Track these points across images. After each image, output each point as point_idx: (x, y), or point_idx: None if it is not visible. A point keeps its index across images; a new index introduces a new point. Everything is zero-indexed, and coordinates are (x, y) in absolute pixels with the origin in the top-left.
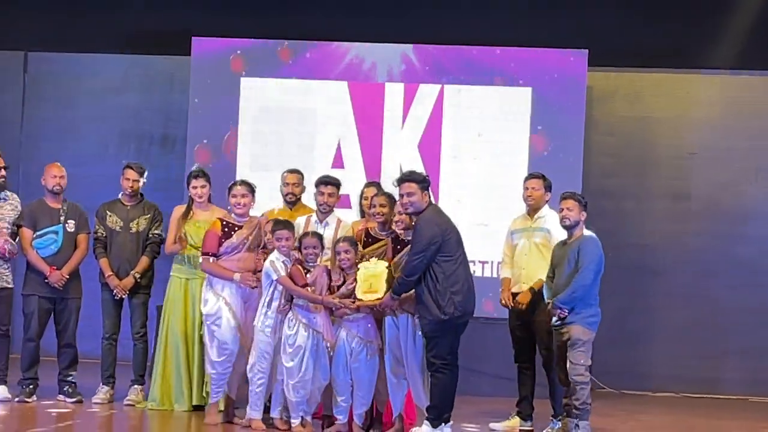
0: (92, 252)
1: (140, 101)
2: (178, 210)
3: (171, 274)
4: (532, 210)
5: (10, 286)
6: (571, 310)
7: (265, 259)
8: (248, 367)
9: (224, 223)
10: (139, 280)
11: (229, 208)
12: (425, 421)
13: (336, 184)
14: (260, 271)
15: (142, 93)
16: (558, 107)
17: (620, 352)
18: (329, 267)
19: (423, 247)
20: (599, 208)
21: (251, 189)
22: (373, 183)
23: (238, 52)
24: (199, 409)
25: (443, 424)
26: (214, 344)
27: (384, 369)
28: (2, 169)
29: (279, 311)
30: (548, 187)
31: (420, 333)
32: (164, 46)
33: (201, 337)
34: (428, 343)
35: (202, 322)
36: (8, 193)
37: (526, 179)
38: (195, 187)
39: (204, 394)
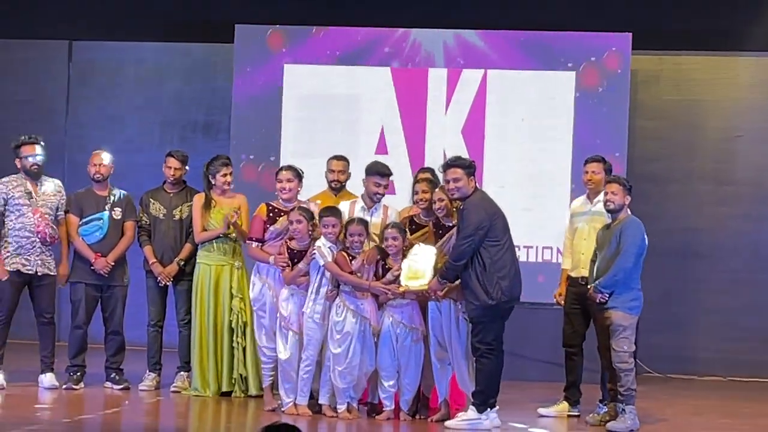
0: (137, 240)
1: (183, 89)
2: (199, 199)
3: (198, 261)
4: (592, 193)
5: (53, 273)
6: (611, 294)
7: (288, 248)
8: (282, 354)
9: (270, 208)
10: (183, 267)
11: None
12: (471, 406)
13: (390, 174)
14: (280, 254)
15: (186, 81)
16: (602, 91)
17: (666, 336)
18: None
19: (471, 232)
20: (644, 191)
21: (297, 174)
22: (428, 169)
23: (281, 38)
24: (227, 395)
25: (489, 409)
26: (261, 329)
27: (429, 354)
28: (34, 157)
29: (327, 298)
30: (608, 171)
31: (463, 318)
32: (207, 34)
33: (230, 323)
34: (474, 329)
35: (231, 309)
36: (48, 178)
37: (586, 162)
38: (225, 175)
39: (232, 381)
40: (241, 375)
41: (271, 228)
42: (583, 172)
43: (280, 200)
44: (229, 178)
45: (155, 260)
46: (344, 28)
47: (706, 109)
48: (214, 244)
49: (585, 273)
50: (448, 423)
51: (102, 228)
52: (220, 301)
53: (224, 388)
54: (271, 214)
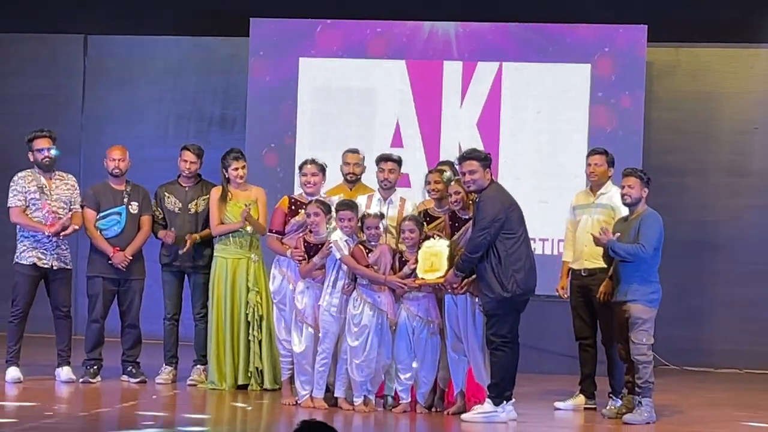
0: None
1: (199, 83)
2: (216, 192)
3: (215, 254)
4: (595, 186)
5: (69, 267)
6: (622, 281)
7: (304, 241)
8: (296, 346)
9: (292, 200)
10: (198, 258)
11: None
12: (487, 399)
13: (396, 160)
14: (296, 249)
15: (201, 75)
16: (618, 83)
17: (682, 328)
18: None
19: (487, 224)
20: (660, 183)
21: (322, 168)
22: (447, 162)
23: (296, 31)
24: (242, 388)
25: (505, 401)
26: (281, 322)
27: (446, 347)
28: (46, 150)
29: (344, 292)
30: (611, 163)
31: (479, 311)
32: (223, 28)
33: (247, 316)
34: (488, 321)
35: (248, 302)
36: (63, 173)
37: (589, 155)
38: (236, 169)
39: (248, 374)
40: (257, 368)
41: (293, 221)
42: (585, 164)
43: (303, 193)
44: (241, 172)
45: (170, 231)
46: (359, 21)
47: (722, 100)
48: (231, 237)
49: (588, 265)
50: (464, 416)
51: (120, 222)
52: (236, 294)
53: (240, 382)
54: (293, 207)
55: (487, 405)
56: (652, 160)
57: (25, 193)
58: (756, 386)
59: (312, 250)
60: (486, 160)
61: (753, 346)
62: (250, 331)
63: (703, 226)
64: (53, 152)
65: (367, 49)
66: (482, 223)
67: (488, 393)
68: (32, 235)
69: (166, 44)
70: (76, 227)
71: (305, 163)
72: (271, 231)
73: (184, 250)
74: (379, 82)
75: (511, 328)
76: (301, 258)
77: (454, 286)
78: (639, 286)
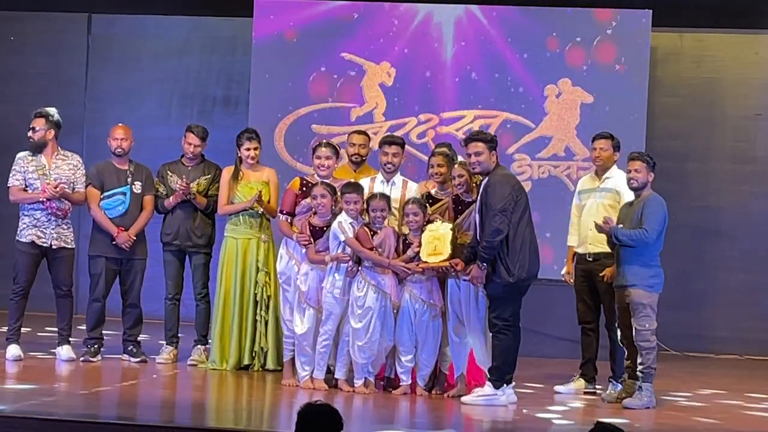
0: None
1: (203, 63)
2: (228, 171)
3: (225, 234)
4: (600, 170)
5: (71, 246)
6: (623, 265)
7: (309, 224)
8: (298, 327)
9: (304, 182)
10: (192, 198)
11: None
12: (487, 382)
13: (400, 143)
14: (302, 233)
15: (205, 55)
16: (622, 68)
17: (683, 314)
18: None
19: (504, 206)
20: (663, 169)
21: (336, 151)
22: (444, 143)
23: (299, 12)
24: (243, 368)
25: (505, 385)
26: (286, 303)
27: (448, 330)
28: (31, 131)
29: (348, 274)
30: (616, 147)
31: (482, 294)
32: (226, 8)
33: (255, 296)
34: (492, 305)
35: (256, 282)
36: (66, 153)
37: (594, 139)
38: (248, 149)
39: (253, 354)
40: (261, 348)
41: (303, 202)
42: (591, 149)
43: (316, 176)
44: (253, 153)
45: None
46: (362, 3)
47: (725, 86)
48: (241, 217)
49: (592, 249)
50: (464, 398)
51: (125, 202)
52: (246, 274)
53: (245, 362)
54: (304, 189)
55: (488, 388)
56: (655, 146)
57: (24, 172)
58: (757, 372)
59: (317, 233)
60: (492, 142)
61: (754, 332)
62: (258, 311)
63: (705, 212)
64: (39, 132)
65: (368, 30)
66: (498, 206)
67: (488, 376)
68: (32, 214)
69: (169, 24)
70: (72, 192)
71: (319, 145)
72: (281, 212)
73: (189, 192)
74: (383, 65)
75: (513, 311)
76: (306, 243)
77: (478, 281)
78: (639, 270)
